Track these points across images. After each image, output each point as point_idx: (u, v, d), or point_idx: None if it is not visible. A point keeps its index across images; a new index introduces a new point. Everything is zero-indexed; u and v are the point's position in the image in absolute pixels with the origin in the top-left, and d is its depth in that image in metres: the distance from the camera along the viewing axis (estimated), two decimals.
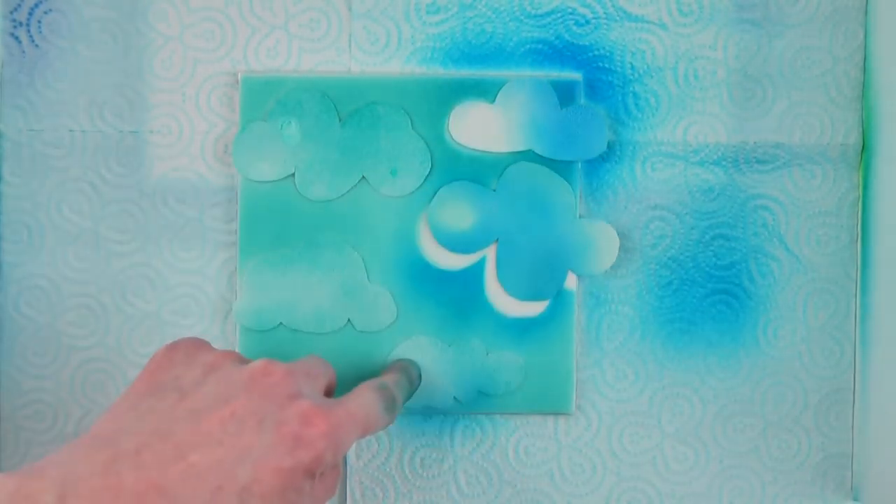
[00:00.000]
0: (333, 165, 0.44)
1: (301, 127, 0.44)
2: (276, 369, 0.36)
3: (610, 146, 0.45)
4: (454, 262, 0.45)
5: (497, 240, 0.44)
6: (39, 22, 0.44)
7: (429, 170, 0.44)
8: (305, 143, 0.44)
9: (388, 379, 0.41)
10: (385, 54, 0.45)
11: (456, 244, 0.44)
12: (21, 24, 0.44)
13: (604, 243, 0.45)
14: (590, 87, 0.45)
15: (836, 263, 0.45)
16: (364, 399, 0.38)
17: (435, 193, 0.44)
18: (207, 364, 0.36)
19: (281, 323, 0.44)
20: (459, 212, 0.44)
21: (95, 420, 0.43)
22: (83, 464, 0.32)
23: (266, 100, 0.44)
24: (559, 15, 0.45)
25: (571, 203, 0.44)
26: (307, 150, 0.44)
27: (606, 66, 0.45)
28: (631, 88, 0.45)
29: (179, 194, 0.45)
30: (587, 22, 0.45)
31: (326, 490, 0.36)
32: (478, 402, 0.45)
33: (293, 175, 0.44)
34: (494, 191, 0.44)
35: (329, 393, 0.39)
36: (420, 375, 0.44)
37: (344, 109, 0.44)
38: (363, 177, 0.44)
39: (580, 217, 0.45)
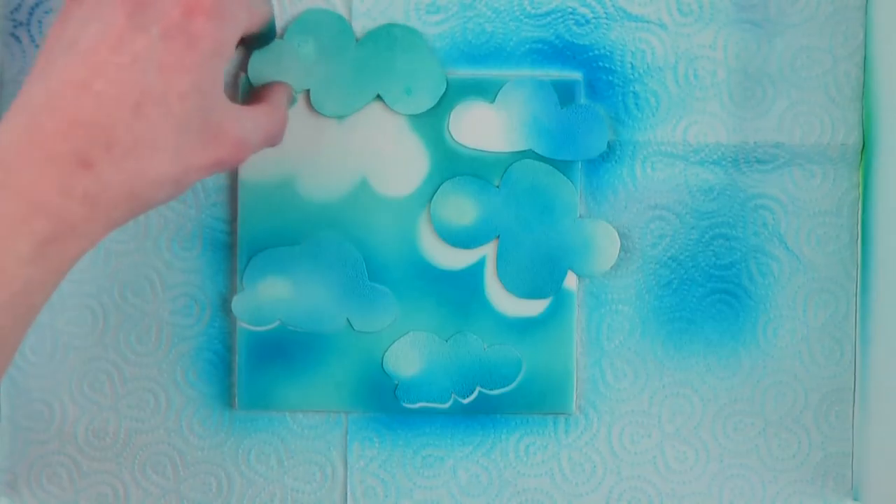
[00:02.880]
0: (348, 83, 0.44)
1: (317, 46, 0.44)
2: None
3: (610, 146, 0.45)
4: (454, 261, 0.45)
5: (498, 236, 0.44)
6: (40, 22, 0.45)
7: (444, 91, 0.44)
8: (321, 61, 0.44)
9: None
10: None
11: (457, 239, 0.44)
12: (21, 24, 0.45)
13: (604, 244, 0.45)
14: (590, 87, 0.45)
15: (836, 263, 0.45)
16: None
17: (434, 193, 0.44)
18: (85, 11, 0.36)
19: (280, 322, 0.44)
20: (462, 207, 0.44)
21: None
22: (5, 128, 0.34)
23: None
24: (559, 15, 0.45)
25: (573, 202, 0.44)
26: (323, 68, 0.44)
27: (606, 65, 0.45)
28: (631, 88, 0.45)
29: None
30: (587, 22, 0.45)
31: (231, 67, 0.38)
32: (478, 402, 0.45)
33: (307, 92, 0.44)
34: (497, 187, 0.44)
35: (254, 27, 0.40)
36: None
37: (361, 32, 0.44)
38: (378, 95, 0.44)
39: (581, 217, 0.45)
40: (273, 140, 0.40)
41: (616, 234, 0.45)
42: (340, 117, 0.44)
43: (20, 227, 0.33)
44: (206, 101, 0.36)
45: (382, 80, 0.44)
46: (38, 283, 0.34)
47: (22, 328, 0.35)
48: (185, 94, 0.35)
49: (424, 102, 0.44)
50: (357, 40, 0.44)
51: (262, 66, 0.44)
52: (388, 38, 0.44)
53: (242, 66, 0.44)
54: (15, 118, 0.34)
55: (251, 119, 0.39)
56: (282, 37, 0.44)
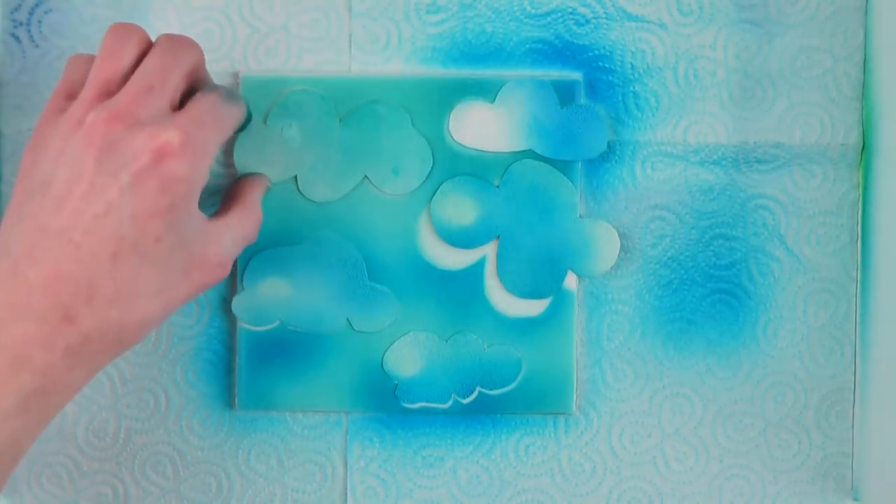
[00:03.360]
0: (335, 166, 0.44)
1: (302, 129, 0.44)
2: (99, 119, 0.35)
3: (610, 146, 0.45)
4: (454, 261, 0.45)
5: (498, 236, 0.44)
6: (39, 22, 0.45)
7: (430, 167, 0.44)
8: (307, 144, 0.44)
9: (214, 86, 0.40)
10: (385, 54, 0.45)
11: (457, 239, 0.44)
12: (21, 24, 0.45)
13: (605, 244, 0.45)
14: (590, 87, 0.45)
15: (836, 263, 0.45)
16: (203, 103, 0.37)
17: (435, 193, 0.44)
18: (55, 152, 0.36)
19: (280, 322, 0.44)
20: (462, 206, 0.44)
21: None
22: None
23: (266, 100, 0.44)
24: (559, 15, 0.45)
25: (573, 202, 0.44)
26: (309, 152, 0.44)
27: (606, 65, 0.45)
28: (631, 88, 0.45)
29: None
30: (587, 22, 0.45)
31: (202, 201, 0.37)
32: (478, 403, 0.45)
33: (295, 178, 0.44)
34: (497, 187, 0.44)
35: (196, 72, 0.38)
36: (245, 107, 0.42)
37: (344, 109, 0.44)
38: (365, 176, 0.44)
39: (581, 217, 0.45)
40: (250, 241, 0.40)
41: (616, 235, 0.45)
42: (327, 202, 0.44)
43: (5, 381, 0.33)
44: (183, 235, 0.36)
45: (369, 161, 0.44)
46: (23, 432, 0.34)
47: (5, 473, 0.35)
48: (160, 237, 0.35)
49: (412, 182, 0.44)
50: (340, 120, 0.44)
51: (247, 154, 0.44)
52: (373, 117, 0.44)
53: (227, 150, 0.44)
54: None
55: (229, 234, 0.38)
56: (265, 122, 0.44)
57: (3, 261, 0.34)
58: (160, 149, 0.35)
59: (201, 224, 0.37)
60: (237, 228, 0.39)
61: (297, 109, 0.44)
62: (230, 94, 0.39)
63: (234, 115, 0.39)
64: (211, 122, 0.37)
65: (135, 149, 0.35)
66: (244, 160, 0.44)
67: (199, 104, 0.37)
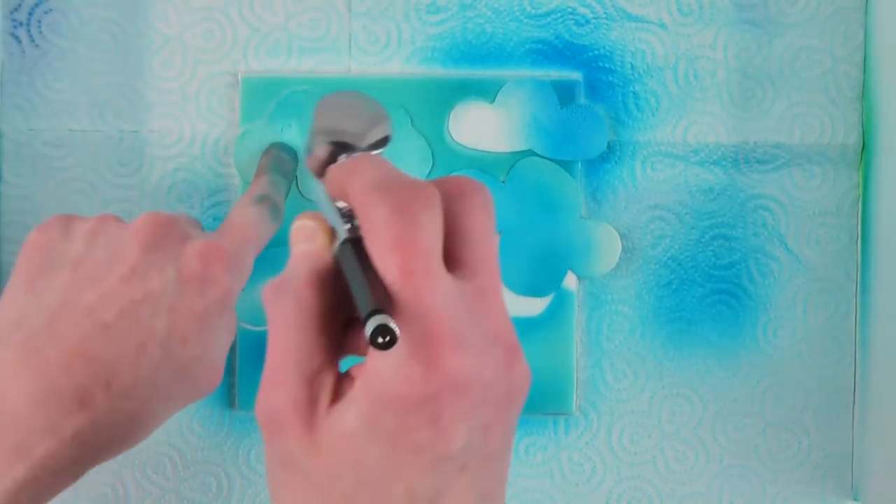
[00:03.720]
0: None
1: (301, 129, 0.44)
2: (159, 218, 0.35)
3: (610, 146, 0.45)
4: None
5: (501, 232, 0.44)
6: (39, 22, 0.45)
7: (430, 168, 0.44)
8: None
9: (262, 185, 0.40)
10: (385, 54, 0.45)
11: None
12: (21, 24, 0.45)
13: (606, 246, 0.45)
14: (590, 87, 0.45)
15: (836, 263, 0.45)
16: (247, 217, 0.37)
17: None
18: (87, 232, 0.35)
19: None
20: None
21: None
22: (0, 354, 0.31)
23: (266, 100, 0.44)
24: (559, 15, 0.45)
25: (577, 203, 0.44)
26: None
27: (606, 66, 0.45)
28: (631, 88, 0.45)
29: (179, 194, 0.45)
30: (587, 22, 0.45)
31: (231, 333, 0.36)
32: None
33: (295, 178, 0.44)
34: (503, 183, 0.44)
35: None
36: (296, 157, 0.42)
37: None
38: None
39: (584, 218, 0.45)
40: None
41: (618, 238, 0.45)
42: None
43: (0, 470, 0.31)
44: (206, 346, 0.34)
45: None
46: None
47: None
48: (187, 340, 0.33)
49: None
50: None
51: (246, 151, 0.44)
52: None
53: (228, 151, 0.44)
54: (8, 335, 0.32)
55: (231, 335, 0.36)
56: (265, 122, 0.44)
57: (14, 334, 0.32)
58: (208, 252, 0.34)
59: (220, 340, 0.35)
60: (232, 335, 0.37)
61: (297, 109, 0.44)
62: (275, 208, 0.39)
63: (272, 231, 0.39)
64: (254, 238, 0.37)
65: (183, 250, 0.34)
66: (244, 160, 0.44)
67: (243, 218, 0.37)
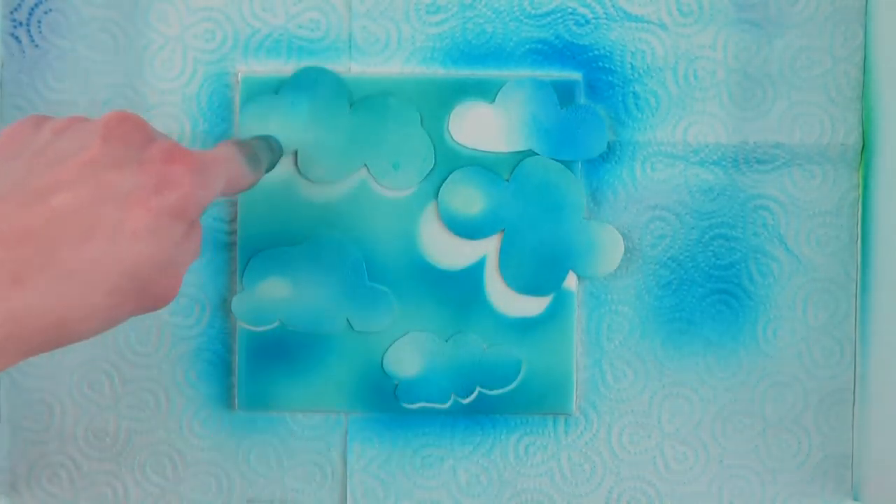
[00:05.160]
0: (337, 150, 0.44)
1: (311, 106, 0.44)
2: (130, 116, 0.34)
3: (610, 146, 0.45)
4: (454, 261, 0.45)
5: (503, 230, 0.44)
6: (39, 22, 0.45)
7: (431, 168, 0.44)
8: (313, 123, 0.44)
9: (246, 139, 0.40)
10: (385, 54, 0.45)
11: (462, 229, 0.44)
12: (21, 24, 0.45)
13: (608, 247, 0.45)
14: (590, 87, 0.45)
15: (836, 263, 0.45)
16: (225, 150, 0.37)
17: (436, 193, 0.44)
18: (57, 127, 0.34)
19: (280, 322, 0.44)
20: (470, 196, 0.44)
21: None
22: None
23: (266, 100, 0.44)
24: (559, 15, 0.45)
25: (580, 203, 0.44)
26: (313, 131, 0.44)
27: (606, 66, 0.45)
28: (631, 88, 0.45)
29: None
30: (587, 22, 0.45)
31: (194, 248, 0.35)
32: (478, 403, 0.45)
33: (295, 153, 0.44)
34: (507, 181, 0.44)
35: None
36: (281, 147, 0.43)
37: (356, 96, 0.44)
38: (365, 165, 0.44)
39: (586, 218, 0.45)
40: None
41: (621, 240, 0.45)
42: (325, 182, 0.44)
43: None
44: (159, 249, 0.33)
45: (371, 151, 0.44)
46: None
47: None
48: (137, 234, 0.33)
49: (410, 179, 0.44)
50: (351, 105, 0.44)
51: (253, 121, 0.44)
52: (383, 109, 0.44)
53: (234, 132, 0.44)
54: None
55: (193, 250, 0.36)
56: (276, 93, 0.44)
57: None
58: (172, 152, 0.34)
59: (178, 248, 0.34)
60: (197, 243, 0.36)
61: (311, 86, 0.44)
62: (254, 155, 0.39)
63: (247, 177, 0.38)
64: (224, 164, 0.36)
65: (149, 147, 0.34)
66: (249, 125, 0.44)
67: (220, 149, 0.37)
